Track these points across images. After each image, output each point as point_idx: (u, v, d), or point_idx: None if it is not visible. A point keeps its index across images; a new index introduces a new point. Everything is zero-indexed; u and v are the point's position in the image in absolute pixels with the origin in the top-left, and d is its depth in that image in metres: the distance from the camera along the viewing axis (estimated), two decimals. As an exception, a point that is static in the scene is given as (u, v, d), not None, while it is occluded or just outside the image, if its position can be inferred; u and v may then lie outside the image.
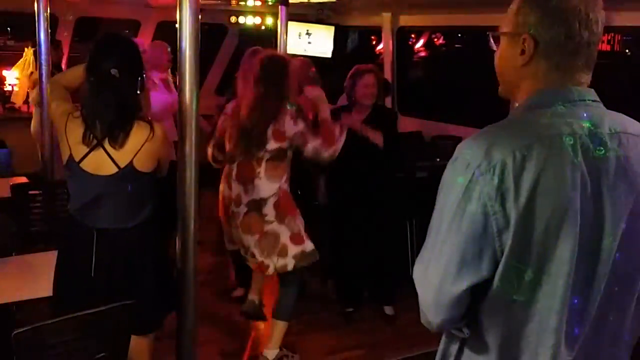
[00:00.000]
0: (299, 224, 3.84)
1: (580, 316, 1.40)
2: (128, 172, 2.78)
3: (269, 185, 3.73)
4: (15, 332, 2.19)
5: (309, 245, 3.83)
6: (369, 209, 4.59)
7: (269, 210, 3.73)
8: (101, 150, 2.76)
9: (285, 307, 3.96)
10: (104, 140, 2.76)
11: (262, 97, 3.68)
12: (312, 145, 3.70)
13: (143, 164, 2.81)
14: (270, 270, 3.81)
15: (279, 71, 3.73)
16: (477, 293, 1.41)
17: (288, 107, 3.70)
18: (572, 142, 1.36)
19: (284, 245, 3.75)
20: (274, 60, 3.82)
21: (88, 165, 2.77)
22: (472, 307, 1.44)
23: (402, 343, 4.43)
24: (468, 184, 1.36)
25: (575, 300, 1.38)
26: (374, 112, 4.56)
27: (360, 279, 4.94)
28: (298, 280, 4.00)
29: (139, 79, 2.87)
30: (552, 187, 1.32)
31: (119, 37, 3.12)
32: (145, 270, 2.87)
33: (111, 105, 2.75)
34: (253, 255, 3.81)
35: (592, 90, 1.48)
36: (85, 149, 2.76)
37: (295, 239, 3.79)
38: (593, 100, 1.46)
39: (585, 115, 1.41)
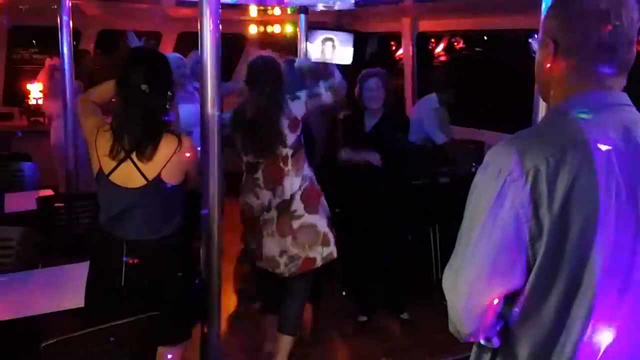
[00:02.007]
0: (327, 207, 3.85)
1: (610, 324, 1.37)
2: (156, 184, 2.80)
3: (296, 179, 3.70)
4: (44, 344, 2.22)
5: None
6: (383, 216, 4.57)
7: (297, 205, 3.70)
8: (130, 163, 2.79)
9: (292, 319, 3.88)
10: (132, 153, 2.78)
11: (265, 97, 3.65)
12: (323, 91, 3.73)
13: (171, 177, 2.83)
14: (318, 262, 3.74)
15: (270, 70, 3.73)
16: (507, 302, 1.39)
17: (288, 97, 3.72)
18: (605, 148, 1.33)
19: (324, 234, 3.74)
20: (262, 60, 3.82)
21: (117, 177, 2.80)
22: (502, 316, 1.42)
23: (426, 350, 4.39)
24: (500, 191, 1.34)
25: (604, 310, 1.35)
26: (385, 118, 4.58)
27: (377, 287, 4.93)
28: (306, 289, 3.92)
29: (168, 92, 2.90)
30: (587, 194, 1.30)
31: (149, 51, 3.18)
32: (175, 281, 2.88)
33: (139, 120, 2.78)
34: (292, 259, 3.69)
35: (625, 94, 1.45)
36: (114, 162, 2.79)
37: (331, 225, 3.80)
38: (625, 105, 1.43)
39: (618, 120, 1.39)
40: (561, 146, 1.33)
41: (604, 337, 1.37)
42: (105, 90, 3.04)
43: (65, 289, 3.22)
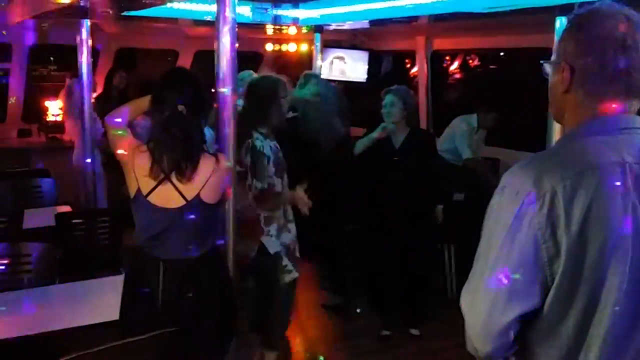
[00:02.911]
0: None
1: (625, 345, 1.37)
2: (195, 204, 2.77)
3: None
4: None
5: None
6: (406, 232, 4.59)
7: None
8: (168, 184, 2.76)
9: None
10: (171, 174, 2.76)
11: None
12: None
13: (209, 196, 2.81)
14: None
15: (262, 94, 3.64)
16: (525, 321, 1.40)
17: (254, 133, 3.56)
18: (621, 171, 1.35)
19: None
20: (261, 80, 3.74)
21: (156, 198, 2.77)
22: (520, 335, 1.43)
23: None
24: (517, 213, 1.35)
25: (622, 329, 1.36)
26: (412, 134, 4.63)
27: (397, 302, 4.93)
28: (286, 299, 3.80)
29: (205, 112, 2.90)
30: (604, 216, 1.31)
31: (186, 72, 3.17)
32: (212, 300, 2.87)
33: (178, 141, 2.74)
34: None
35: (639, 117, 1.46)
36: (153, 183, 2.76)
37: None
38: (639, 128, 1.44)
39: (633, 143, 1.39)
40: (577, 169, 1.34)
41: (623, 357, 1.38)
42: (135, 108, 3.02)
43: (83, 304, 3.24)
